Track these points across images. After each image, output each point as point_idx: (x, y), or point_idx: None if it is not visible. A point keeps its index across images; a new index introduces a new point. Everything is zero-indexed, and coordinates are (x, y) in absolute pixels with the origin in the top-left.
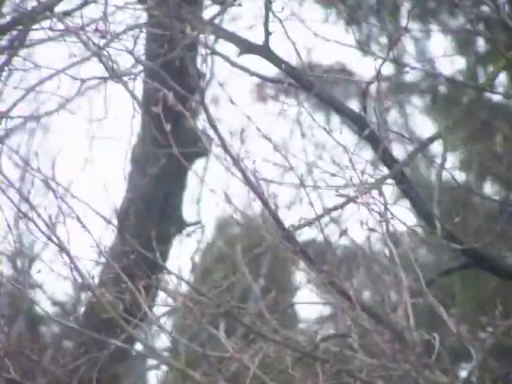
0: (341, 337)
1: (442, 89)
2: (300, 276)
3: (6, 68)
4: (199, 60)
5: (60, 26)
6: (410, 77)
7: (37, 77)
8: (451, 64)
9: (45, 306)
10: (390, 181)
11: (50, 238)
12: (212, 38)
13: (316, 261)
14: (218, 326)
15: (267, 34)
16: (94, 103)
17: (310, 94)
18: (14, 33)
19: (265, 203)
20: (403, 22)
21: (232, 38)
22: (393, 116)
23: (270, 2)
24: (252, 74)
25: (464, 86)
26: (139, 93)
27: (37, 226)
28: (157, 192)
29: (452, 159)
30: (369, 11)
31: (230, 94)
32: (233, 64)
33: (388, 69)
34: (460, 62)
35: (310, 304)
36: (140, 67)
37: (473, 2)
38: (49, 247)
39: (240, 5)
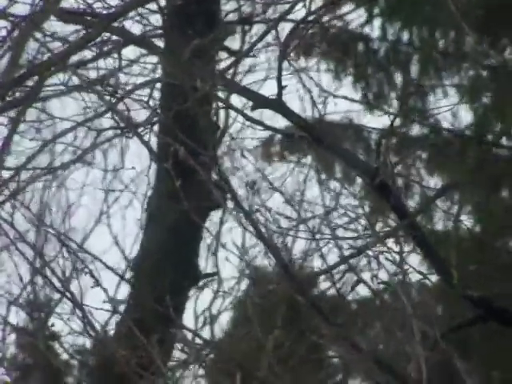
0: None
1: (450, 142)
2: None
3: (22, 119)
4: (213, 113)
5: (75, 78)
6: (417, 130)
7: (52, 129)
8: (459, 117)
9: (63, 358)
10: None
11: (63, 294)
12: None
13: (329, 314)
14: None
15: (280, 87)
16: (109, 155)
17: (322, 147)
18: (29, 85)
19: (277, 256)
20: (413, 76)
21: (245, 92)
22: (403, 168)
23: (283, 57)
24: (265, 127)
25: (474, 140)
26: (154, 144)
27: (50, 281)
28: (172, 244)
29: (465, 211)
30: (377, 66)
31: (242, 146)
32: (246, 117)
33: (396, 123)
34: (468, 116)
35: (324, 358)
36: (155, 119)
37: (481, 54)
38: (64, 301)
39: (255, 56)
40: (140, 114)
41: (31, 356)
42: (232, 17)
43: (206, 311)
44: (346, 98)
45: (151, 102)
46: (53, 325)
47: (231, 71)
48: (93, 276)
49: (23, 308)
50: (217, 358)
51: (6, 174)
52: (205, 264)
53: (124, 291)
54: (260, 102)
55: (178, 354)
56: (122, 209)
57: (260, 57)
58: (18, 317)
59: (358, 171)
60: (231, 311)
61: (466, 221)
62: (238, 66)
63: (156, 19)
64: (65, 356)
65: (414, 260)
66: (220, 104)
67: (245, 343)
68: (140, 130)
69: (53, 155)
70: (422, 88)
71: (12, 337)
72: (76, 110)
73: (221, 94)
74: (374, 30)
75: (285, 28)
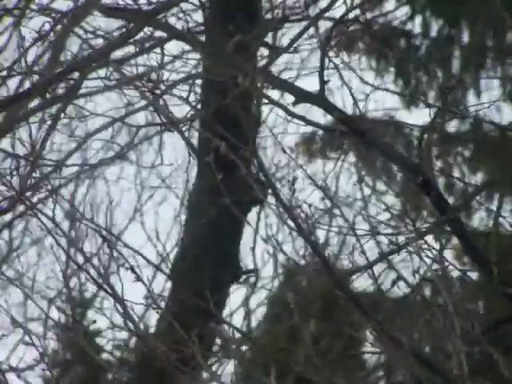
0: None
1: (491, 137)
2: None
3: (62, 116)
4: (254, 108)
5: (115, 74)
6: (458, 126)
7: (90, 125)
8: (500, 113)
9: (103, 354)
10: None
11: (103, 288)
12: (267, 86)
13: (369, 310)
14: (269, 373)
15: (322, 82)
16: (146, 151)
17: (364, 142)
18: (70, 81)
19: (316, 251)
20: (453, 71)
21: (286, 86)
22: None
23: (326, 53)
24: (307, 122)
25: None
26: (194, 140)
27: (90, 276)
28: (212, 240)
29: (506, 207)
30: (419, 62)
31: (282, 142)
32: (288, 112)
33: (437, 118)
34: (509, 112)
35: (363, 354)
36: (195, 115)
37: None
38: (102, 296)
39: (296, 51)
40: (180, 110)
41: (72, 352)
42: (273, 13)
43: (244, 306)
44: (387, 90)
45: (191, 98)
46: (94, 321)
47: (270, 67)
48: (134, 271)
49: (64, 303)
50: (254, 353)
51: (45, 170)
52: (245, 259)
53: (159, 286)
54: (302, 96)
55: (218, 350)
56: (156, 205)
57: (300, 53)
58: (58, 312)
59: (400, 167)
60: (267, 305)
61: (507, 217)
62: (274, 62)
63: (197, 16)
64: (105, 352)
65: (450, 255)
66: (261, 99)
67: (282, 337)
68: (180, 125)
69: (90, 151)
70: (463, 83)
71: (53, 332)
72: (115, 106)
73: (262, 89)
74: (416, 26)
75: (324, 25)
